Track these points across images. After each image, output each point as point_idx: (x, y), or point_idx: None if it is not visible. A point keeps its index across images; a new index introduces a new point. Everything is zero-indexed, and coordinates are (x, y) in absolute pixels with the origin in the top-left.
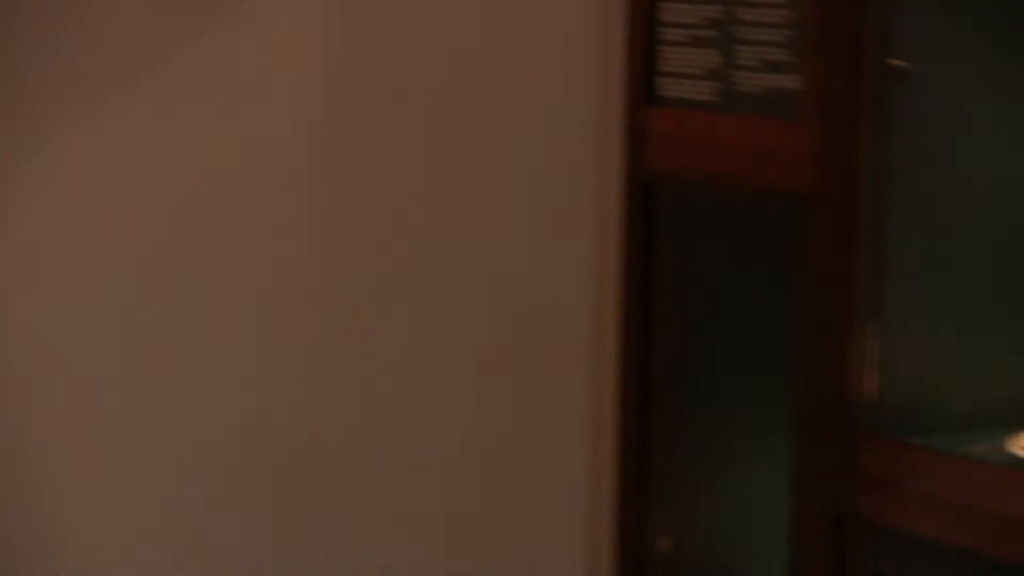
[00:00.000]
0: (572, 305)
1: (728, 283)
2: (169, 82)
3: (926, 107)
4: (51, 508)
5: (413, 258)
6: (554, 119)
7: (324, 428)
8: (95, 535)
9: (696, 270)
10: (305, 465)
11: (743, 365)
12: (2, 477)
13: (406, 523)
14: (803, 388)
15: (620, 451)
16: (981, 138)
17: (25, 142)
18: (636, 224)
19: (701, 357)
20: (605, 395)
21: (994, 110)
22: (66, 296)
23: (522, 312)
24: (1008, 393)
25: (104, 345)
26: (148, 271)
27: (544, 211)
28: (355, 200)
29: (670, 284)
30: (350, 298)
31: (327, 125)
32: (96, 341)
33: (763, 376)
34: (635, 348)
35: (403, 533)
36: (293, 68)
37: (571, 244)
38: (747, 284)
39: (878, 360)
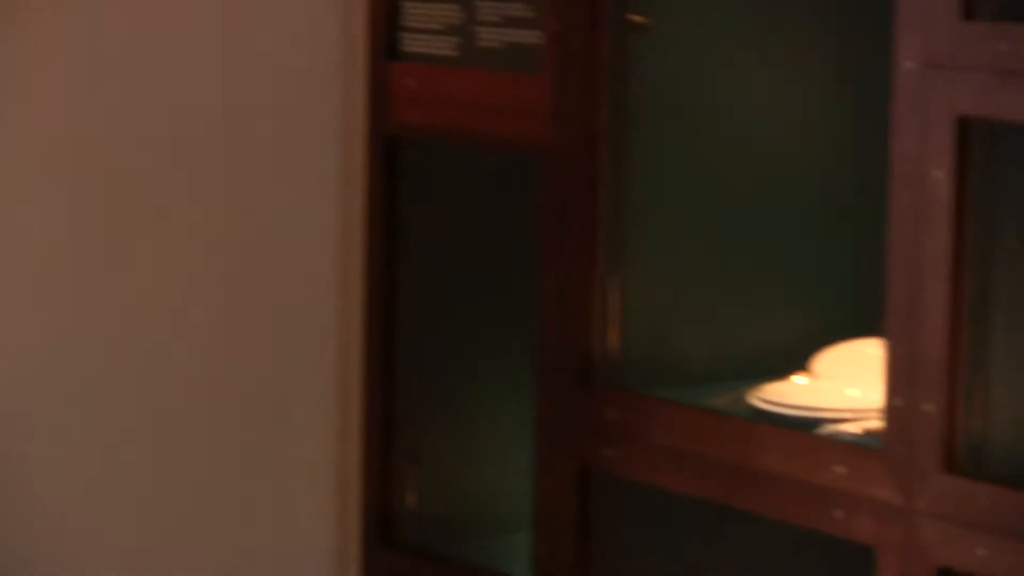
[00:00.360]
0: (317, 261)
1: (474, 238)
2: None
3: (664, 61)
4: None
5: (156, 227)
6: (298, 76)
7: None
8: None
9: (442, 225)
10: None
11: (489, 321)
12: None
13: (154, 486)
14: (546, 343)
15: (366, 409)
16: (719, 92)
17: None
18: (380, 179)
19: (447, 313)
20: (351, 353)
21: (730, 64)
22: None
23: (267, 270)
24: (748, 346)
25: None
26: None
27: (288, 167)
28: (107, 148)
29: (417, 240)
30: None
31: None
32: None
33: (509, 331)
34: (380, 304)
35: (151, 493)
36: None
37: (316, 200)
38: (492, 239)
39: (620, 315)
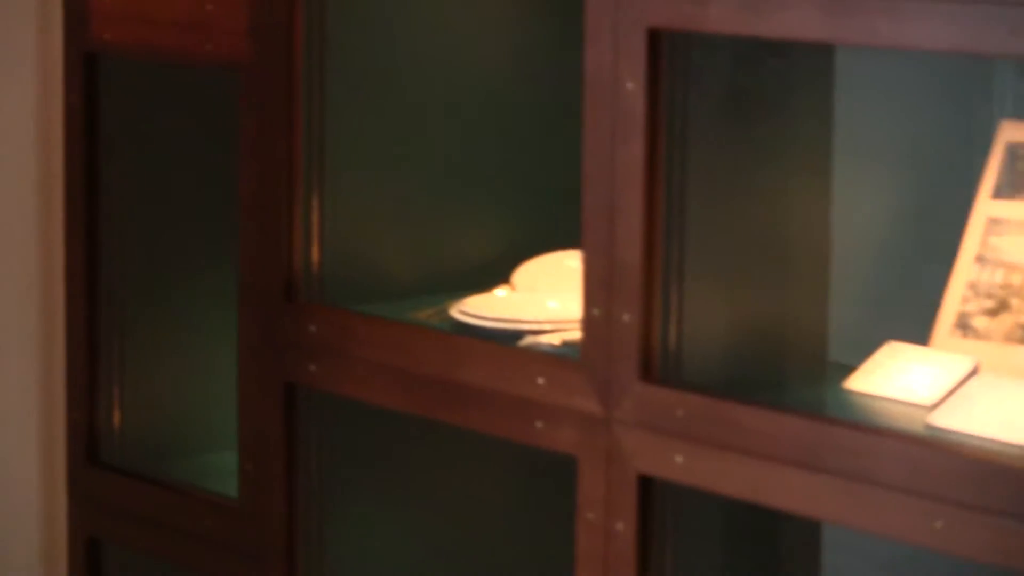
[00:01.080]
0: (17, 177)
1: (179, 154)
2: None
3: None
4: None
5: None
6: None
7: None
8: None
9: (146, 141)
10: None
11: (195, 237)
12: None
13: None
14: (248, 259)
15: (69, 327)
16: (417, 8)
17: None
18: (77, 96)
19: (152, 231)
20: (54, 270)
21: None
22: None
23: None
24: (451, 260)
25: None
26: None
27: None
28: None
29: (120, 157)
30: None
31: None
32: None
33: (215, 249)
34: (80, 220)
35: None
36: None
37: (14, 118)
38: (196, 156)
39: (322, 230)
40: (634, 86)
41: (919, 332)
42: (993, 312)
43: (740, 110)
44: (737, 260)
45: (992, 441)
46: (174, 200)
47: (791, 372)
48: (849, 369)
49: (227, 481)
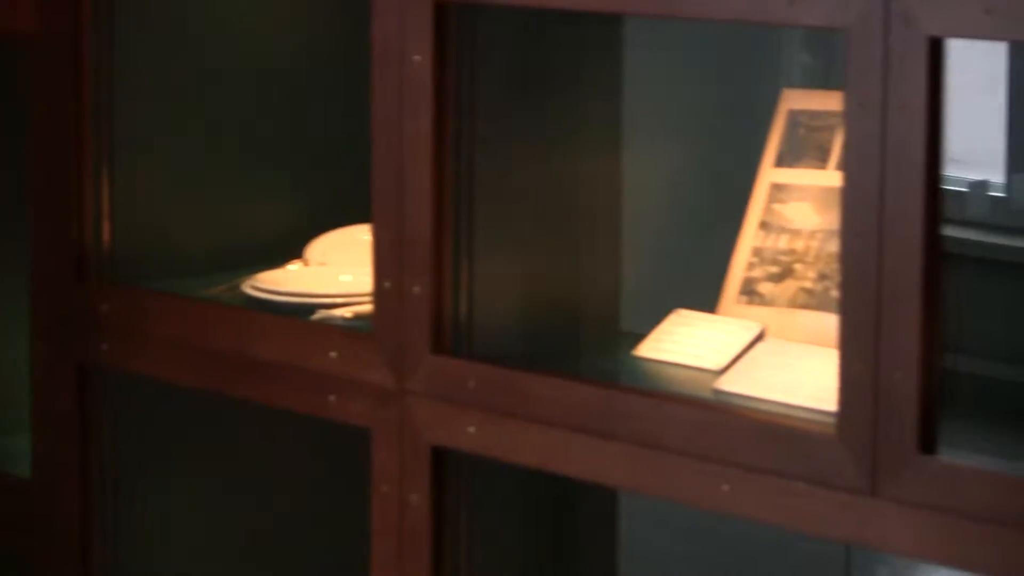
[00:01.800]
0: None
1: None
2: None
3: None
4: None
5: None
6: None
7: None
8: None
9: None
10: None
11: None
12: None
13: None
14: (40, 237)
15: None
16: None
17: None
18: None
19: None
20: None
21: None
22: None
23: None
24: (244, 235)
25: None
26: None
27: None
28: None
29: None
30: None
31: None
32: None
33: (4, 229)
34: None
35: None
36: None
37: None
38: None
39: (112, 208)
40: (421, 59)
41: (709, 299)
42: (778, 278)
43: (529, 82)
44: (529, 231)
45: (777, 404)
46: None
47: (584, 341)
48: (641, 338)
49: (23, 464)
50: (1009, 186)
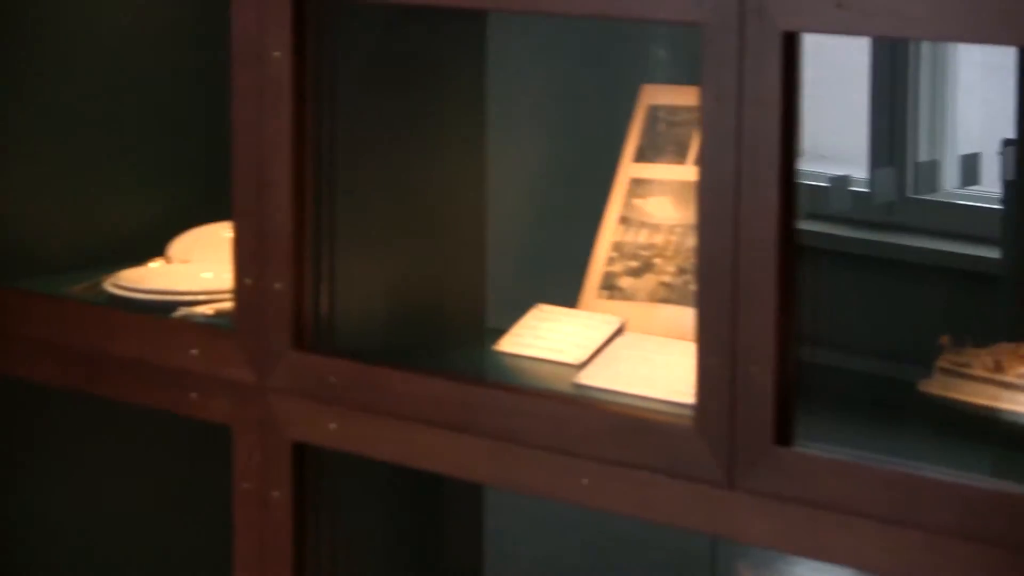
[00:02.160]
0: None
1: None
2: None
3: None
4: None
5: None
6: None
7: None
8: None
9: None
10: None
11: None
12: None
13: None
14: None
15: None
16: None
17: None
18: None
19: None
20: None
21: None
22: None
23: None
24: (106, 233)
25: None
26: None
27: None
28: None
29: None
30: None
31: None
32: None
33: None
34: None
35: None
36: None
37: None
38: None
39: None
40: (281, 55)
41: (571, 294)
42: (637, 272)
43: (392, 77)
44: (392, 228)
45: (636, 397)
46: None
47: (449, 337)
48: (506, 333)
49: None
50: (871, 181)
